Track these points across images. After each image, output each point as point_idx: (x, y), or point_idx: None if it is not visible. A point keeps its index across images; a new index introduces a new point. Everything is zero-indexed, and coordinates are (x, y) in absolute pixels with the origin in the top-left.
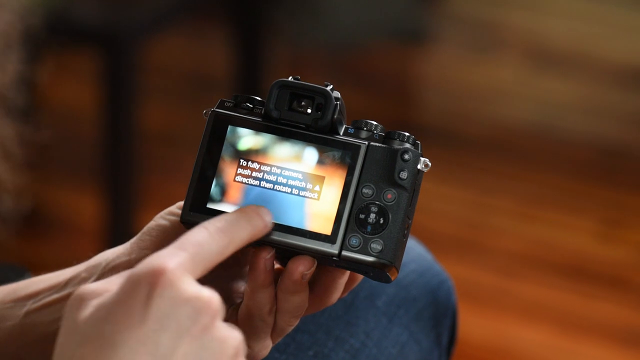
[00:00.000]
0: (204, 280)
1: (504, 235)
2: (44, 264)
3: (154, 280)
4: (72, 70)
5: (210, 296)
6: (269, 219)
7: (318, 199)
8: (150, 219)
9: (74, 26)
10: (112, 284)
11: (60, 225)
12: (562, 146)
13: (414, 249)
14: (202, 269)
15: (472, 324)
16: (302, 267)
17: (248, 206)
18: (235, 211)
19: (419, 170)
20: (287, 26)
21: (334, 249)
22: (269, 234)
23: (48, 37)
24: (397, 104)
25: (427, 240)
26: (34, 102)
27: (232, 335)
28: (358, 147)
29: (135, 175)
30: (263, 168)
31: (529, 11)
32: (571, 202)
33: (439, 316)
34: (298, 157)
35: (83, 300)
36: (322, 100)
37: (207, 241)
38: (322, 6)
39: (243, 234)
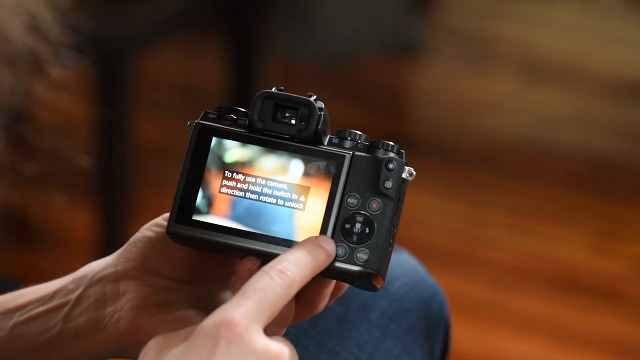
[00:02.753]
0: (193, 293)
1: (497, 248)
2: (38, 277)
3: (220, 333)
4: (65, 81)
5: (279, 350)
6: (331, 248)
7: (304, 209)
8: None
9: (67, 38)
10: (186, 335)
11: (54, 237)
12: (556, 159)
13: (407, 261)
14: (269, 315)
15: (465, 337)
16: None
17: (308, 240)
18: (295, 248)
19: (403, 179)
20: (280, 39)
21: None
22: (255, 244)
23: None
24: (390, 117)
25: (420, 253)
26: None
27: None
28: (342, 157)
29: (129, 188)
30: (248, 179)
31: (522, 24)
32: (565, 214)
33: (431, 329)
34: (283, 168)
35: (160, 349)
36: (305, 111)
37: (270, 285)
38: (315, 19)
39: (306, 271)
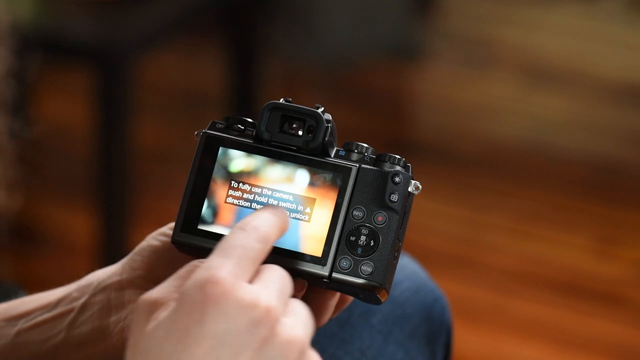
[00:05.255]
0: None
1: (499, 252)
2: (37, 282)
3: (207, 295)
4: (66, 87)
5: (268, 302)
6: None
7: (309, 220)
8: (144, 235)
9: (67, 43)
10: (172, 292)
11: (54, 242)
12: (557, 163)
13: (408, 266)
14: (252, 271)
15: (466, 341)
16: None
17: (267, 205)
18: (262, 209)
19: (409, 192)
20: (281, 43)
21: (324, 271)
22: None
23: (41, 53)
24: (391, 121)
25: (421, 258)
26: (25, 97)
27: (296, 337)
28: (349, 169)
29: (129, 193)
30: (254, 190)
31: (523, 28)
32: (566, 219)
33: (433, 333)
34: (289, 179)
35: (148, 311)
36: (313, 123)
37: (248, 242)
38: (316, 23)
39: (277, 229)
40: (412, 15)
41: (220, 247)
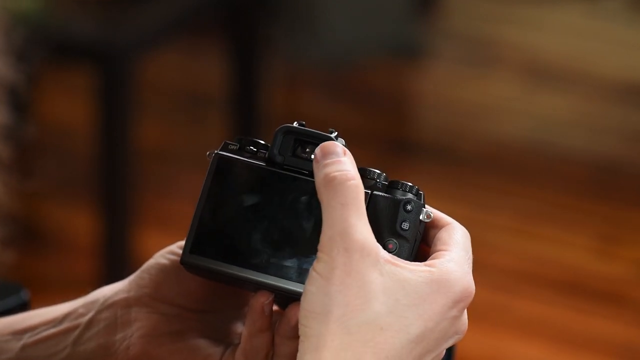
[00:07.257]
0: (204, 322)
1: (500, 252)
2: (39, 281)
3: (466, 302)
4: (67, 86)
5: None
6: None
7: None
8: (144, 234)
9: (69, 42)
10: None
11: (55, 241)
12: (558, 162)
13: None
14: None
15: (468, 341)
16: None
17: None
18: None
19: (421, 221)
20: (283, 43)
21: None
22: (269, 279)
23: (43, 53)
24: (393, 121)
25: None
26: (21, 153)
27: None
28: None
29: (130, 192)
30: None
31: (524, 27)
32: (567, 218)
33: None
34: (300, 204)
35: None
36: None
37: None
38: (318, 23)
39: None
40: (413, 15)
41: (463, 248)
